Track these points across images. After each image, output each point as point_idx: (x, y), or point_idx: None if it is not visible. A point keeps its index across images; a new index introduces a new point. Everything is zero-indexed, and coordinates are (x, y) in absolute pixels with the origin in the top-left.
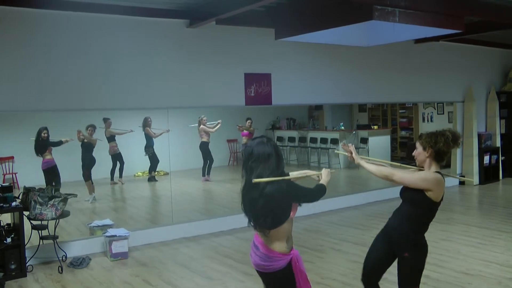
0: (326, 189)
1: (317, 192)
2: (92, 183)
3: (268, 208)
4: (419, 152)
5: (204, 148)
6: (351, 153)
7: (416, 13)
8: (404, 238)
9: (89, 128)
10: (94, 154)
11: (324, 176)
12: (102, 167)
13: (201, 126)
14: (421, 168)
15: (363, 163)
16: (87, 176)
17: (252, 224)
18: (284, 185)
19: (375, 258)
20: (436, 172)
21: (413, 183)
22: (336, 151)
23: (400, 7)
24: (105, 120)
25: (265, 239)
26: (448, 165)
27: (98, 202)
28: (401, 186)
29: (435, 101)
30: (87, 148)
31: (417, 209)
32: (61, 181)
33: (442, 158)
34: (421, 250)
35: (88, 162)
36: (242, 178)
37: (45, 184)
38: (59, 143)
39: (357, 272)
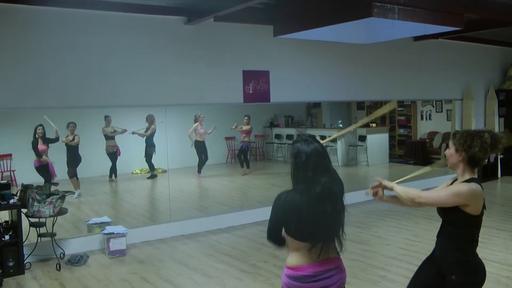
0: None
1: None
2: (77, 179)
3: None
4: (451, 153)
5: (201, 146)
6: (380, 185)
7: (416, 10)
8: (450, 260)
9: (70, 125)
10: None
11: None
12: (100, 164)
13: (198, 124)
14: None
15: (394, 185)
16: (71, 173)
17: (324, 242)
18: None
19: (421, 286)
20: (470, 179)
21: (445, 201)
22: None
23: (400, 4)
24: (105, 117)
25: (334, 252)
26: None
27: (96, 199)
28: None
29: (434, 99)
30: (71, 146)
31: (458, 228)
32: (58, 178)
33: (477, 164)
34: (473, 271)
35: (72, 161)
36: (296, 192)
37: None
38: (56, 139)
39: (355, 270)
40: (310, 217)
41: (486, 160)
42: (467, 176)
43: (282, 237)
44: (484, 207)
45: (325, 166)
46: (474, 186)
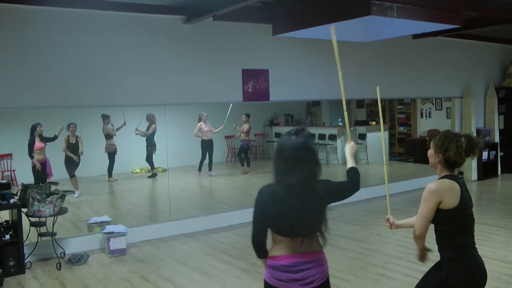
0: None
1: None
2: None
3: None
4: (430, 154)
5: (206, 145)
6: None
7: (414, 8)
8: (444, 257)
9: (71, 126)
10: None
11: None
12: (100, 164)
13: (202, 123)
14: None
15: (401, 222)
16: (72, 173)
17: (306, 235)
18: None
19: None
20: (442, 177)
21: (426, 211)
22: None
23: (398, 2)
24: (105, 117)
25: (317, 246)
26: None
27: (96, 198)
28: None
29: (434, 96)
30: (73, 148)
31: (441, 226)
32: (59, 178)
33: (453, 166)
34: (466, 271)
35: (72, 162)
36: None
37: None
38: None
39: (354, 268)
40: (289, 209)
41: (475, 160)
42: (442, 175)
43: (265, 248)
44: (463, 199)
45: (306, 159)
46: (441, 180)
